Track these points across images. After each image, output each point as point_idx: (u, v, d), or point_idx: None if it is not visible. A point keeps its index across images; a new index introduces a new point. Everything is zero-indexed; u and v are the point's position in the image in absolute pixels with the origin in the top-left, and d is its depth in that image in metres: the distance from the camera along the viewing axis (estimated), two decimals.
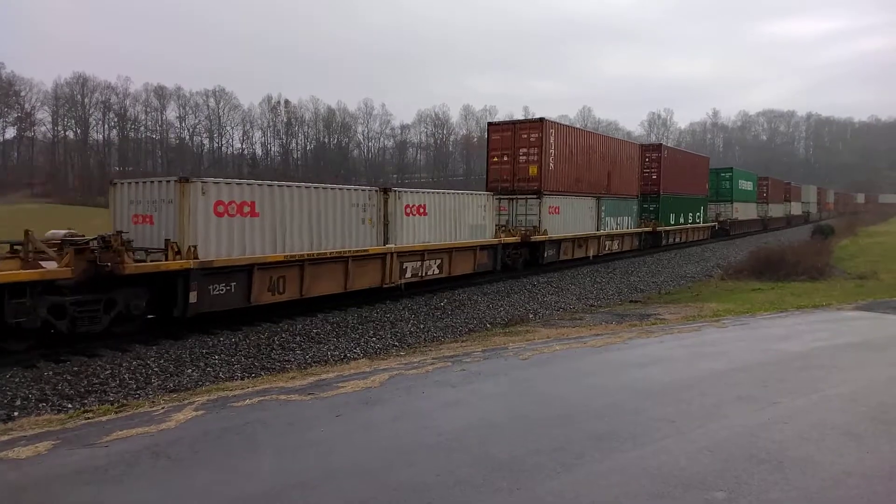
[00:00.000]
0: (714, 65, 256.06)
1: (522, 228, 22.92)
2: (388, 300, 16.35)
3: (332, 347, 11.93)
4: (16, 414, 7.96)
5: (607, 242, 29.03)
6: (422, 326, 14.06)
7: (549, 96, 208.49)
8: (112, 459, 5.25)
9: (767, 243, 32.64)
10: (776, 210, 61.94)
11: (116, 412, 6.70)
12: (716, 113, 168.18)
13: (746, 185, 52.06)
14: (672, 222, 35.58)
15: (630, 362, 8.73)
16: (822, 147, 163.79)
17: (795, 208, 71.91)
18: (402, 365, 8.64)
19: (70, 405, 8.33)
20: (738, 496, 4.41)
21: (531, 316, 15.73)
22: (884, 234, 47.24)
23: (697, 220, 40.04)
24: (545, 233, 23.40)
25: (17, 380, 9.13)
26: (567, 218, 25.02)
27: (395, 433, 5.88)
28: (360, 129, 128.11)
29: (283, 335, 12.53)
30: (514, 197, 23.77)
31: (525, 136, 23.71)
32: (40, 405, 8.35)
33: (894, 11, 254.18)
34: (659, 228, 33.36)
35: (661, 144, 34.36)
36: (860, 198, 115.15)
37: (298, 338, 12.45)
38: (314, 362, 10.83)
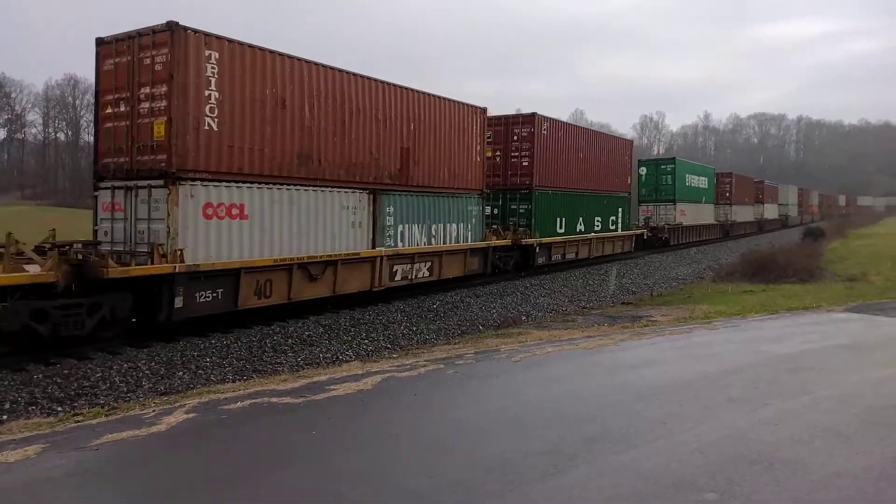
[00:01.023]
0: (705, 68, 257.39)
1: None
2: (380, 302, 16.33)
3: (324, 350, 11.90)
4: (4, 417, 7.89)
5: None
6: (414, 329, 14.05)
7: (542, 97, 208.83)
8: (102, 462, 5.22)
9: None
10: (743, 213, 52.50)
11: (107, 415, 6.66)
12: (707, 116, 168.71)
13: (698, 182, 41.96)
14: (560, 230, 24.65)
15: (622, 364, 8.75)
16: (812, 150, 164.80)
17: (770, 211, 62.55)
18: (394, 367, 8.64)
19: (60, 408, 8.27)
20: (729, 497, 4.43)
21: (523, 318, 15.74)
22: (873, 236, 47.55)
23: (612, 227, 29.08)
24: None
25: (6, 383, 9.06)
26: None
27: (387, 435, 5.87)
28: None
29: (275, 337, 12.49)
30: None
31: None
32: (30, 408, 8.28)
33: (883, 15, 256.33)
34: (528, 241, 22.34)
35: (535, 114, 22.64)
36: (842, 200, 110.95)
37: (290, 340, 12.41)
38: (306, 365, 10.80)
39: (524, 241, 22.20)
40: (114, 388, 9.24)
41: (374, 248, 15.72)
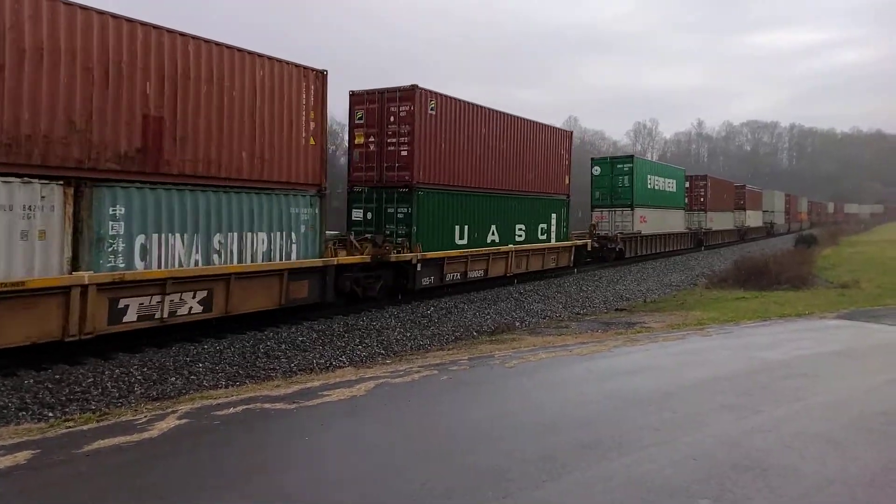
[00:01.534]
0: (699, 75, 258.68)
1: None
2: (373, 308, 16.32)
3: (317, 355, 11.87)
4: None
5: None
6: (408, 334, 14.03)
7: (535, 104, 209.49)
8: (92, 469, 5.18)
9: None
10: (721, 220, 48.01)
11: (98, 421, 6.62)
12: (700, 123, 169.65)
13: (664, 185, 36.59)
14: (460, 242, 19.24)
15: (615, 370, 8.76)
16: (805, 157, 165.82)
17: (753, 218, 57.76)
18: (388, 373, 8.62)
19: (51, 414, 8.22)
20: None
21: (517, 324, 15.75)
22: (866, 243, 47.83)
23: (543, 237, 23.85)
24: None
25: None
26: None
27: (380, 442, 5.86)
28: (345, 136, 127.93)
29: (269, 343, 12.46)
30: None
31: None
32: (20, 414, 8.22)
33: (874, 25, 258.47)
34: (402, 256, 16.98)
35: (415, 87, 17.24)
36: (831, 207, 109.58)
37: (283, 346, 12.38)
38: (299, 370, 10.76)
39: (395, 257, 16.58)
40: (105, 394, 9.19)
41: (72, 271, 10.01)
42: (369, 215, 18.00)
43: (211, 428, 6.26)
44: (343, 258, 15.32)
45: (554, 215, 24.70)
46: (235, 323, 13.10)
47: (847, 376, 8.26)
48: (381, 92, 17.66)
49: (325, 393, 7.47)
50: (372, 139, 17.82)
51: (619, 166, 32.99)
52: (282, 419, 6.58)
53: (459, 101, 19.19)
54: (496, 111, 21.01)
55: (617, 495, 4.59)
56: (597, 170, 33.48)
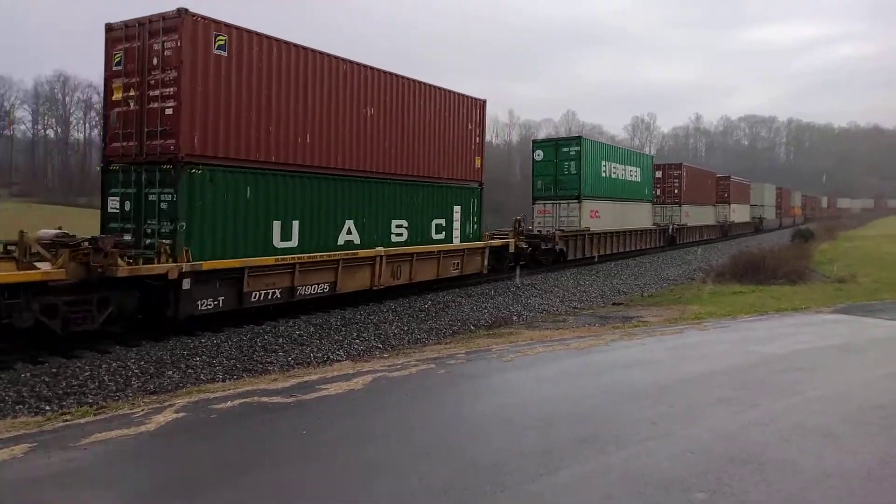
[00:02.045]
0: (697, 70, 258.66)
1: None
2: (371, 302, 16.31)
3: (315, 349, 11.86)
4: None
5: None
6: (406, 328, 14.03)
7: (534, 98, 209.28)
8: (90, 462, 5.18)
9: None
10: (700, 215, 42.54)
11: (95, 414, 6.62)
12: (698, 118, 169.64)
13: (625, 173, 30.91)
14: (287, 244, 13.59)
15: (613, 364, 8.77)
16: (802, 152, 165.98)
17: (739, 213, 53.07)
18: (385, 367, 8.62)
19: (48, 407, 8.20)
20: (718, 497, 4.44)
21: (515, 318, 15.75)
22: (863, 238, 47.90)
23: (440, 237, 18.13)
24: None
25: None
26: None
27: (377, 435, 5.85)
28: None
29: (266, 337, 12.44)
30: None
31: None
32: (17, 407, 8.20)
33: (871, 20, 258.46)
34: (153, 269, 11.01)
35: (183, 11, 11.33)
36: (824, 202, 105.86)
37: (281, 339, 12.37)
38: (297, 364, 10.76)
39: (128, 270, 10.64)
40: (103, 387, 9.18)
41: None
42: (127, 205, 12.26)
43: (208, 421, 6.26)
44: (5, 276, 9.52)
45: (457, 208, 18.78)
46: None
47: (844, 370, 8.28)
48: (143, 23, 11.90)
49: (322, 387, 7.47)
50: (132, 93, 12.00)
51: (563, 149, 26.84)
52: (279, 413, 6.58)
53: (280, 41, 13.11)
54: (352, 62, 14.97)
55: (614, 489, 4.60)
56: (539, 154, 27.70)
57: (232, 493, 4.63)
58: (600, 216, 28.26)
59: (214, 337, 12.09)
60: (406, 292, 17.65)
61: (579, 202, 26.71)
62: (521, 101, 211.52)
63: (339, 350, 11.91)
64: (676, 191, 39.36)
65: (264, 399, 6.99)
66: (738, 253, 28.35)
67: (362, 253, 15.33)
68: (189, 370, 10.21)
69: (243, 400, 6.94)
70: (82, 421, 6.32)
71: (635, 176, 32.35)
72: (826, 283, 21.33)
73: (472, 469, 4.96)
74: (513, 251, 21.88)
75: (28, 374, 9.34)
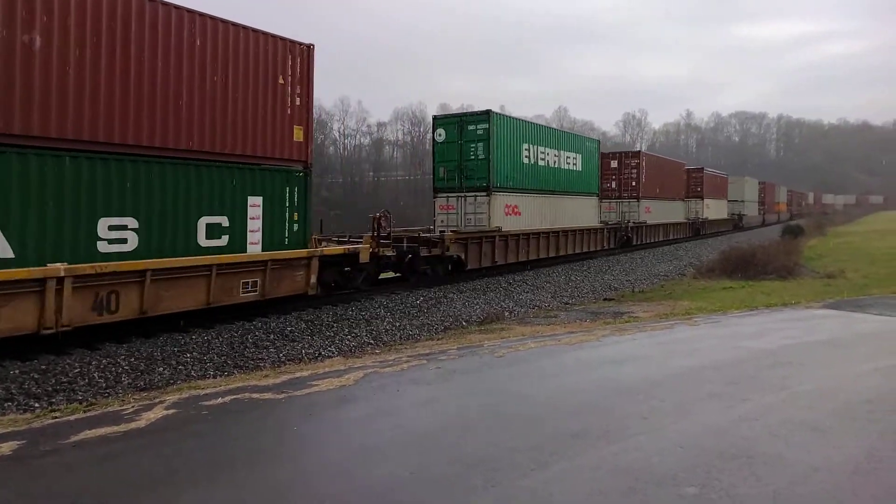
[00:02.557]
0: (688, 66, 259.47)
1: None
2: (363, 298, 16.29)
3: (306, 345, 11.84)
4: None
5: None
6: (397, 324, 14.02)
7: (526, 94, 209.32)
8: (79, 459, 5.15)
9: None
10: (664, 211, 37.84)
11: (85, 411, 6.58)
12: (689, 114, 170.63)
13: (558, 160, 25.42)
14: None
15: (604, 360, 8.80)
16: (792, 148, 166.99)
17: (715, 209, 48.94)
18: (377, 363, 8.62)
19: (37, 404, 8.15)
20: (708, 492, 4.47)
21: (506, 314, 15.78)
22: (852, 234, 48.26)
23: (220, 242, 12.15)
24: None
25: None
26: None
27: (369, 431, 5.85)
28: (336, 126, 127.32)
29: (257, 333, 12.41)
30: None
31: None
32: (6, 404, 8.15)
33: (861, 18, 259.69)
34: None
35: None
36: (811, 197, 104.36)
37: (272, 336, 12.34)
38: (288, 360, 10.74)
39: None
40: (92, 384, 9.13)
41: None
42: None
43: (199, 418, 6.24)
44: None
45: (257, 200, 12.89)
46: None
47: (833, 365, 8.34)
48: None
49: (313, 383, 7.46)
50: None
51: (470, 128, 21.13)
52: (270, 409, 6.57)
53: None
54: None
55: (604, 483, 4.62)
56: (440, 134, 21.77)
57: (223, 489, 4.62)
58: (521, 213, 22.92)
59: (205, 333, 12.06)
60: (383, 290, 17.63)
61: (489, 195, 20.96)
62: (513, 96, 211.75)
63: (330, 346, 11.90)
64: (634, 183, 33.91)
65: (255, 395, 6.98)
66: (728, 249, 28.46)
67: (14, 273, 9.12)
68: (180, 367, 10.17)
69: (234, 396, 6.93)
70: (72, 418, 6.29)
71: (574, 164, 26.78)
72: (815, 278, 21.49)
73: (463, 464, 4.97)
74: (365, 261, 15.90)
75: (17, 371, 9.28)
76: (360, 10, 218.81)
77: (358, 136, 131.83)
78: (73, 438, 5.58)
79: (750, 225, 59.92)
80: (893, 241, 36.19)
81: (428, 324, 14.29)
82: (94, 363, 9.89)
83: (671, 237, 39.90)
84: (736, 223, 56.76)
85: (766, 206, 69.58)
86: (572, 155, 26.75)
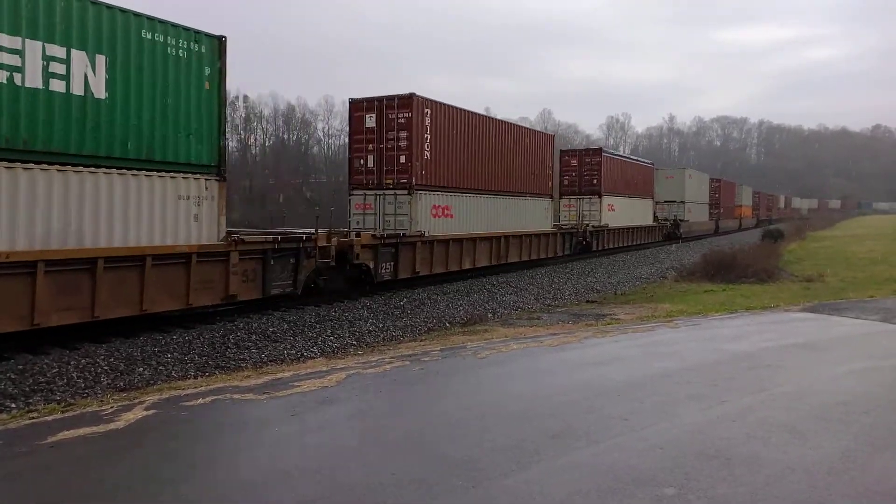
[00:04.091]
0: (671, 70, 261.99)
1: None
2: (346, 299, 16.24)
3: (288, 346, 11.78)
4: None
5: None
6: (381, 325, 14.00)
7: (509, 96, 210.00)
8: (56, 460, 5.10)
9: None
10: (520, 214, 24.27)
11: (63, 412, 6.51)
12: (672, 118, 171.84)
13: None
14: None
15: (585, 361, 8.86)
16: (773, 153, 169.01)
17: (633, 212, 35.66)
18: (359, 364, 8.60)
19: (13, 405, 8.03)
20: (687, 492, 4.52)
21: (490, 315, 15.82)
22: (831, 238, 48.90)
23: None
24: None
25: None
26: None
27: (350, 432, 5.85)
28: (320, 126, 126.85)
29: (239, 333, 12.33)
30: None
31: None
32: None
33: (841, 23, 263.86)
34: None
35: None
36: (781, 202, 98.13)
37: (254, 336, 12.27)
38: (270, 361, 10.68)
39: None
40: (71, 384, 9.02)
41: None
42: None
43: (179, 419, 6.20)
44: None
45: None
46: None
47: (810, 367, 8.46)
48: None
49: (295, 384, 7.44)
50: None
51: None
52: (251, 410, 6.54)
53: None
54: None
55: (585, 483, 4.65)
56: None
57: (202, 489, 4.59)
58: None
59: (186, 334, 11.96)
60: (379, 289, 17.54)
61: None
62: (498, 97, 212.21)
63: (313, 347, 11.85)
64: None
65: (236, 396, 6.94)
66: (709, 252, 28.69)
67: None
68: (160, 367, 10.08)
69: (215, 397, 6.89)
70: (49, 419, 6.22)
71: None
72: (794, 282, 21.74)
73: (445, 465, 4.99)
74: None
75: None
76: (341, 8, 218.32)
77: (342, 136, 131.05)
78: (51, 439, 5.52)
79: (693, 234, 45.98)
80: (871, 246, 36.75)
81: (411, 325, 14.28)
82: (72, 363, 9.78)
83: (525, 259, 25.24)
84: (669, 231, 42.83)
85: (721, 209, 56.61)
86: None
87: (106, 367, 9.77)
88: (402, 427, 6.02)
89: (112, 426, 5.89)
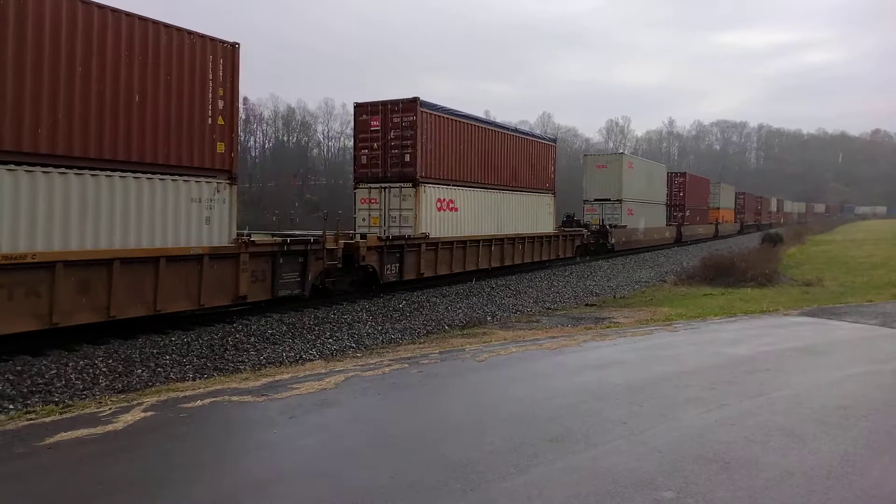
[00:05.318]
0: (671, 74, 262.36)
1: None
2: (344, 301, 16.23)
3: (287, 348, 11.78)
4: None
5: None
6: (379, 328, 14.00)
7: (509, 99, 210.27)
8: (54, 461, 5.09)
9: None
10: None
11: (61, 413, 6.50)
12: (671, 122, 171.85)
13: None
14: None
15: (584, 365, 8.85)
16: (772, 157, 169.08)
17: (526, 216, 24.44)
18: (358, 366, 8.59)
19: (12, 406, 8.03)
20: (685, 496, 4.51)
21: (489, 318, 15.81)
22: (830, 242, 48.93)
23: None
24: None
25: None
26: None
27: (349, 435, 5.84)
28: (320, 128, 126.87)
29: (238, 335, 12.32)
30: None
31: None
32: None
33: (840, 27, 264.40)
34: None
35: None
36: (773, 204, 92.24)
37: (253, 338, 12.26)
38: (269, 363, 10.68)
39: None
40: (69, 386, 9.01)
41: None
42: None
43: (177, 420, 6.18)
44: None
45: None
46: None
47: (809, 371, 8.45)
48: None
49: (294, 386, 7.43)
50: None
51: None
52: (250, 412, 6.53)
53: None
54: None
55: (583, 487, 4.65)
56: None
57: (200, 492, 4.58)
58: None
59: (185, 335, 11.95)
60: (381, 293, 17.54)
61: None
62: (498, 100, 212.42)
63: (311, 349, 11.84)
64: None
65: (235, 398, 6.93)
66: (708, 256, 28.71)
67: None
68: (159, 369, 10.07)
69: (213, 399, 6.88)
70: (47, 420, 6.20)
71: None
72: (794, 286, 21.75)
73: (443, 467, 4.98)
74: None
75: None
76: (351, 12, 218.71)
77: (342, 138, 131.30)
78: (49, 440, 5.51)
79: (633, 244, 34.69)
80: (870, 250, 36.76)
81: (410, 328, 14.28)
82: (71, 364, 9.76)
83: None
84: (596, 240, 31.97)
85: (686, 212, 44.43)
86: None
87: (104, 369, 9.76)
88: (401, 429, 6.01)
89: (110, 428, 5.88)
